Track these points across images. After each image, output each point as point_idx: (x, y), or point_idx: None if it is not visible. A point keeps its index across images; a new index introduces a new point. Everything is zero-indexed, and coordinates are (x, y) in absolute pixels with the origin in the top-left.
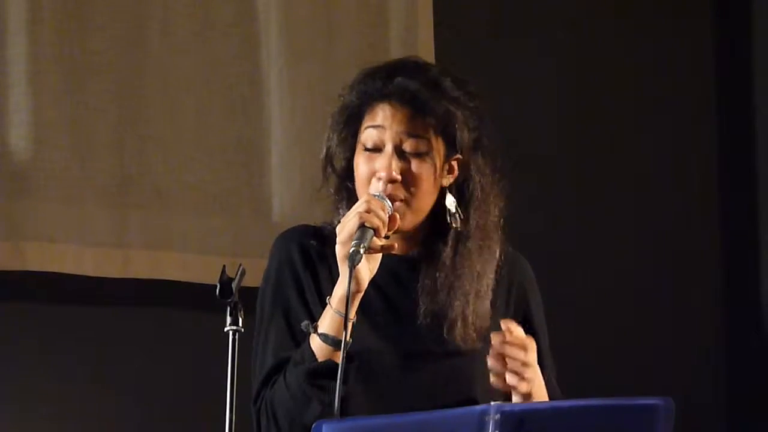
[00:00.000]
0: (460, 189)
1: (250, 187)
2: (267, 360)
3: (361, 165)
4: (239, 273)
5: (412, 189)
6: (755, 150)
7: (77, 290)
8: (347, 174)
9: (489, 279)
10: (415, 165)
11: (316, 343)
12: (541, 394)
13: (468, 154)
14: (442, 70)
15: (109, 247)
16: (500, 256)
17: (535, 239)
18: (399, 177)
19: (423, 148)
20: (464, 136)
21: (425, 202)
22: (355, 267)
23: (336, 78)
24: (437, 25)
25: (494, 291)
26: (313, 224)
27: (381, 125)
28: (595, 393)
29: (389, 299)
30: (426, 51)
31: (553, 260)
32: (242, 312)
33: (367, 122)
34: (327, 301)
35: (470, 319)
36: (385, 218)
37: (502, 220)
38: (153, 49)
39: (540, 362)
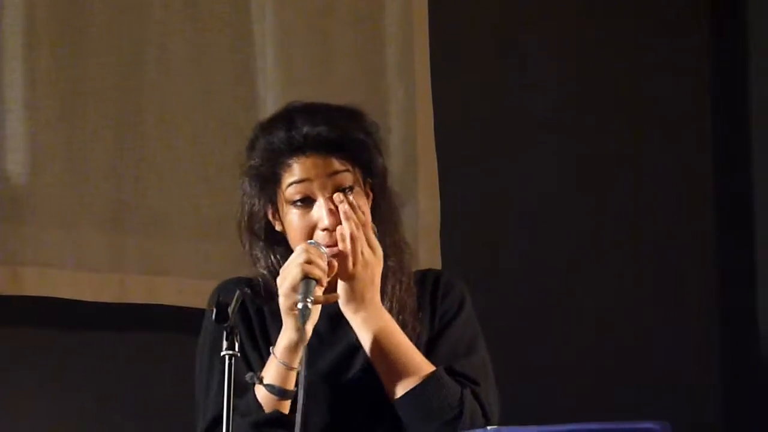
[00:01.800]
0: (373, 216)
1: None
2: (208, 411)
3: (295, 221)
4: (236, 298)
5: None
6: (751, 171)
7: (74, 315)
8: (266, 230)
9: (410, 305)
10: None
11: (261, 393)
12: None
13: (380, 177)
14: (331, 106)
15: (105, 273)
16: (411, 279)
17: (529, 253)
18: (337, 222)
19: (349, 180)
20: (375, 160)
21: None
22: (305, 323)
23: (336, 87)
24: (433, 49)
25: (419, 319)
26: (245, 276)
27: (305, 178)
28: (590, 414)
29: (331, 347)
30: (422, 76)
31: (547, 278)
32: (238, 337)
33: (287, 179)
34: (271, 351)
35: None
36: (326, 267)
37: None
38: (149, 74)
39: (439, 350)
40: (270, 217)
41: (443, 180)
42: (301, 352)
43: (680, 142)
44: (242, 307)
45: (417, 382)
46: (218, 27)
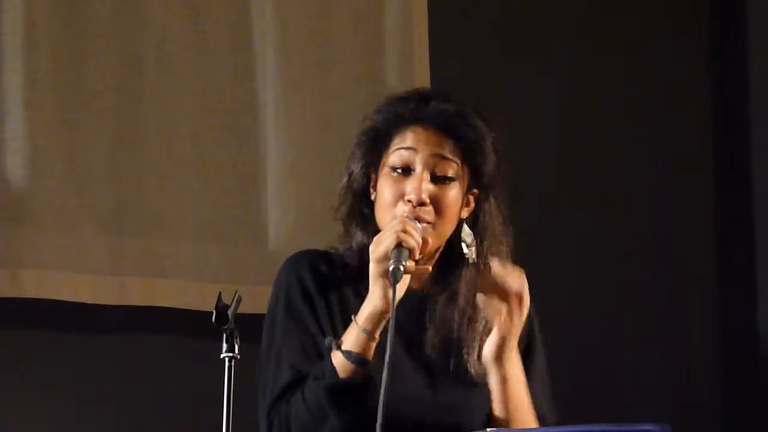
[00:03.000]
0: (472, 225)
1: (245, 214)
2: (282, 375)
3: (387, 187)
4: (235, 300)
5: (440, 213)
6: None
7: (73, 317)
8: (363, 197)
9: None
10: (443, 189)
11: (338, 359)
12: (518, 386)
13: (487, 189)
14: (471, 104)
15: (105, 275)
16: None
17: (534, 257)
18: (428, 200)
19: (452, 172)
20: (488, 169)
21: (449, 228)
22: (397, 283)
23: (332, 106)
24: (433, 51)
25: None
26: (319, 250)
27: (413, 147)
28: (592, 415)
29: (403, 333)
30: (422, 77)
31: (551, 281)
32: (238, 339)
33: (396, 144)
34: (352, 319)
35: (481, 353)
36: (420, 240)
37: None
38: (149, 76)
39: (531, 388)
40: (372, 183)
41: None
42: (383, 323)
43: (680, 141)
44: (317, 279)
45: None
46: (218, 28)
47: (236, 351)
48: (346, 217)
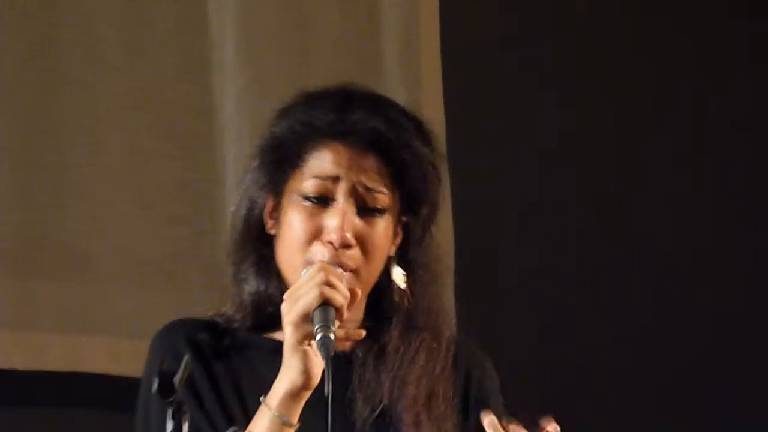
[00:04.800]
0: (400, 259)
1: (198, 250)
2: None
3: (298, 222)
4: (184, 365)
5: (368, 256)
6: None
7: None
8: (260, 233)
9: (443, 369)
10: (371, 225)
11: None
12: None
13: (422, 218)
14: (402, 108)
15: (14, 330)
16: (450, 342)
17: (560, 285)
18: (353, 241)
19: (383, 203)
20: (426, 196)
21: (375, 272)
22: (330, 354)
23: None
24: (445, 39)
25: (452, 384)
26: (199, 318)
27: (334, 174)
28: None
29: (324, 402)
30: (431, 73)
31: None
32: (188, 415)
33: (311, 167)
34: (262, 401)
35: (426, 416)
36: (348, 294)
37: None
38: (68, 67)
39: None
40: (266, 212)
41: (458, 202)
42: (302, 403)
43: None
44: (197, 351)
45: None
46: (161, 3)
47: (185, 430)
48: (237, 260)
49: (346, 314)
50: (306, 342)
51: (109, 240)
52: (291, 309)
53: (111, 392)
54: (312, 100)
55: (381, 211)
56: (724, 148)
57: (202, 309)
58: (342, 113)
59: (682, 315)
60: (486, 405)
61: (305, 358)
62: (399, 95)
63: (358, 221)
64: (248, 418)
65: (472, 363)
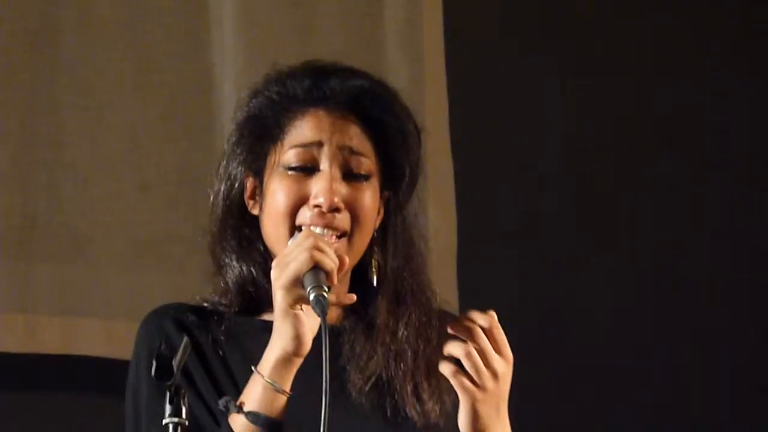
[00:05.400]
0: (382, 235)
1: (196, 231)
2: None
3: (281, 190)
4: (183, 347)
5: (357, 221)
6: None
7: None
8: (241, 213)
9: (436, 342)
10: (359, 190)
11: (240, 425)
12: None
13: (402, 192)
14: (378, 77)
15: (8, 312)
16: (435, 333)
17: (564, 281)
18: (342, 204)
19: (368, 168)
20: (408, 166)
21: (366, 240)
22: (326, 314)
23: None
24: (448, 15)
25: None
26: (185, 303)
27: (316, 139)
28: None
29: (319, 378)
30: (433, 52)
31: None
32: (186, 398)
33: (292, 136)
34: (254, 370)
35: (427, 387)
36: (337, 260)
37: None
38: (66, 46)
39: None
40: (247, 193)
41: (461, 192)
42: (294, 371)
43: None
44: (185, 332)
45: None
46: None
47: (184, 415)
48: (218, 243)
49: (335, 281)
50: (298, 306)
51: (106, 222)
52: (281, 273)
53: (106, 375)
54: (285, 73)
55: (366, 177)
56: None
57: (199, 292)
58: (318, 80)
59: (685, 315)
60: None
61: (297, 322)
62: (401, 73)
63: (344, 187)
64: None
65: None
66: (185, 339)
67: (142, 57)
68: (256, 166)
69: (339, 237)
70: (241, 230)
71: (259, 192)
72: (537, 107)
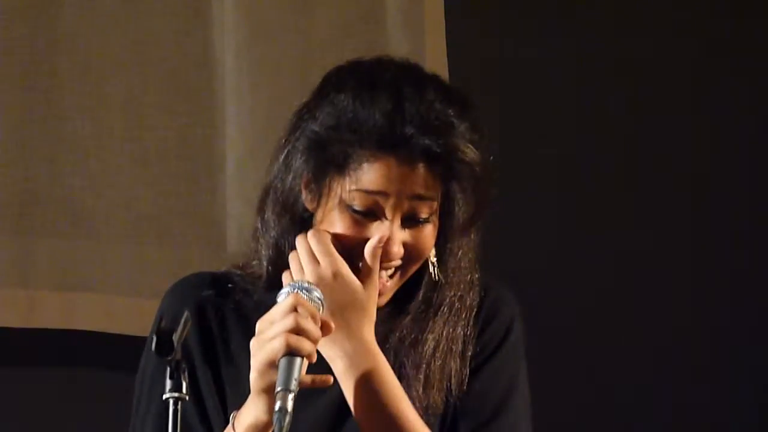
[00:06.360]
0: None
1: (197, 206)
2: None
3: (340, 227)
4: (183, 322)
5: (413, 259)
6: None
7: None
8: (303, 222)
9: (463, 328)
10: (419, 232)
11: None
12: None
13: (469, 221)
14: (448, 91)
15: (8, 288)
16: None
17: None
18: (402, 252)
19: (431, 210)
20: (471, 198)
21: (417, 267)
22: (282, 426)
23: (313, 60)
24: None
25: (470, 341)
26: (212, 271)
27: (383, 190)
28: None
29: (311, 398)
30: (434, 19)
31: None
32: (186, 374)
33: (359, 177)
34: (230, 421)
35: (438, 371)
36: (318, 333)
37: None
38: (66, 20)
39: (466, 404)
40: (303, 185)
41: None
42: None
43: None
44: (201, 318)
45: None
46: None
47: (184, 390)
48: (264, 213)
49: (314, 359)
50: (270, 392)
51: (106, 196)
52: (257, 352)
53: (106, 350)
54: (359, 93)
55: (428, 219)
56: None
57: (200, 266)
58: (392, 121)
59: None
60: (483, 357)
61: (270, 402)
62: (402, 45)
63: (406, 233)
64: (222, 389)
65: (490, 316)
66: (185, 314)
67: (142, 31)
68: (318, 180)
69: (392, 275)
70: (290, 209)
71: (315, 189)
72: (540, 83)
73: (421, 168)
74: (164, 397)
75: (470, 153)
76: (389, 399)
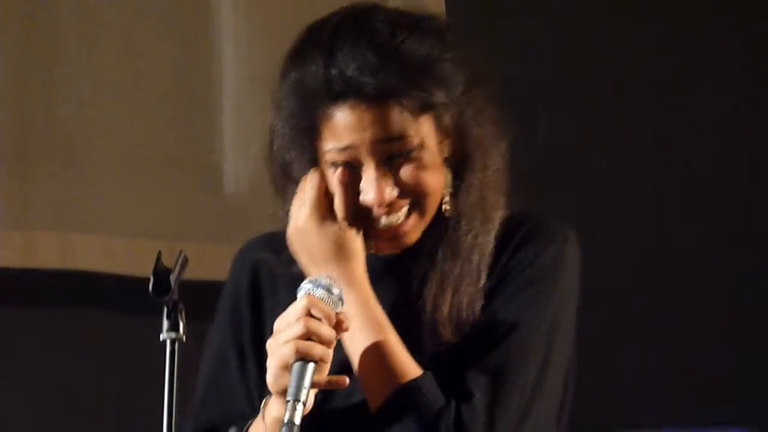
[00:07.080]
0: (456, 153)
1: (194, 149)
2: (185, 428)
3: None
4: (180, 262)
5: (418, 194)
6: None
7: None
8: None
9: (482, 266)
10: (410, 166)
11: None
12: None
13: (459, 112)
14: (394, 20)
15: (5, 228)
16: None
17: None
18: (395, 192)
19: (410, 144)
20: (450, 98)
21: (436, 197)
22: (293, 422)
23: (314, 5)
24: None
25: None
26: (273, 231)
27: (348, 144)
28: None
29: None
30: None
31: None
32: (183, 314)
33: (325, 133)
34: (260, 408)
35: (449, 322)
36: (332, 334)
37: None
38: None
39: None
40: (295, 158)
41: None
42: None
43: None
44: (254, 284)
45: (387, 395)
46: None
47: (181, 330)
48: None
49: (329, 359)
50: (285, 394)
51: (103, 140)
52: (272, 355)
53: (104, 290)
54: (299, 52)
55: (412, 150)
56: None
57: (197, 207)
58: (328, 69)
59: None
60: (502, 284)
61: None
62: None
63: (390, 176)
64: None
65: (516, 248)
66: (182, 254)
67: None
68: (307, 153)
69: (408, 215)
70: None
71: (307, 162)
72: (544, 21)
73: (376, 109)
74: (161, 337)
75: (416, 64)
76: (373, 329)
